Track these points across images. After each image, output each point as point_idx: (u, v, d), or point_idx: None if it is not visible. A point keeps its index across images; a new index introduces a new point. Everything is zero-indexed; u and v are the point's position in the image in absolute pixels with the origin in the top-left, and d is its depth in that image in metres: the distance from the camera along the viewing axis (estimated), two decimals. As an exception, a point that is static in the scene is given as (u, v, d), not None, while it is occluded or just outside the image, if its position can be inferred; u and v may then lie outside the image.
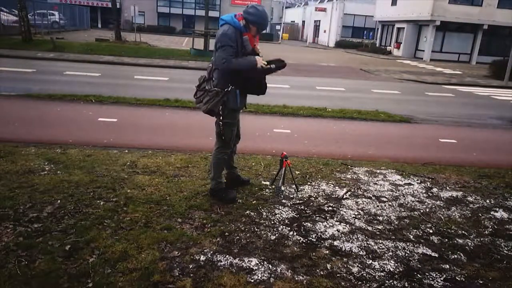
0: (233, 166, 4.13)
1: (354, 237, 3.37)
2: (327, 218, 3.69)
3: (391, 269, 2.95)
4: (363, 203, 4.10)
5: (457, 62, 29.85)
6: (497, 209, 4.23)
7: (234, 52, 3.37)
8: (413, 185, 4.75)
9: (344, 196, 4.22)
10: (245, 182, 4.26)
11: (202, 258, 2.88)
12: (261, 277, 2.72)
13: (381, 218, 3.79)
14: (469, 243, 3.45)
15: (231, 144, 3.85)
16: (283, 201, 3.99)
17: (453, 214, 4.03)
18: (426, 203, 4.24)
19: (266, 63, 3.51)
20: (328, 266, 2.92)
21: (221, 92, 3.49)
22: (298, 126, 7.71)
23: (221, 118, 3.60)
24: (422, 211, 4.04)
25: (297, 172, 4.82)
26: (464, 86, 16.57)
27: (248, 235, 3.27)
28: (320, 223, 3.58)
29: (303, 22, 53.61)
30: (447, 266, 3.06)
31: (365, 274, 2.86)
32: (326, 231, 3.43)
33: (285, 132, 7.13)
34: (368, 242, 3.30)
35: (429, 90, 14.70)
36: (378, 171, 5.16)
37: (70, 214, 3.34)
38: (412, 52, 32.11)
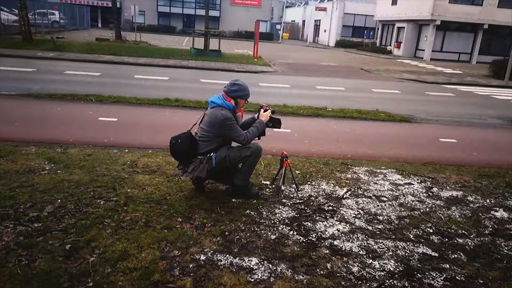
0: None
1: (354, 237, 3.37)
2: (327, 217, 3.70)
3: (391, 269, 2.96)
4: (363, 203, 4.10)
5: (457, 61, 29.83)
6: (497, 208, 4.23)
7: (238, 126, 3.72)
8: (413, 184, 4.75)
9: (344, 196, 4.22)
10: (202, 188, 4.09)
11: (202, 257, 2.88)
12: (261, 277, 2.72)
13: (381, 218, 3.79)
14: (469, 243, 3.45)
15: (247, 142, 3.73)
16: (283, 200, 4.00)
17: (453, 213, 4.03)
18: (426, 203, 4.24)
19: (270, 113, 3.88)
20: (328, 265, 2.92)
21: (204, 159, 3.66)
22: (298, 125, 7.71)
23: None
24: (422, 210, 4.04)
25: (297, 172, 4.82)
26: (464, 85, 16.56)
27: (248, 234, 3.27)
28: (320, 222, 3.58)
29: (303, 21, 53.55)
30: (447, 266, 3.06)
31: (365, 274, 2.87)
32: (326, 231, 3.44)
33: (285, 131, 7.12)
34: (368, 242, 3.31)
35: (430, 89, 14.70)
36: (378, 170, 5.16)
37: (71, 213, 3.34)
38: (413, 52, 32.10)
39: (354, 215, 3.79)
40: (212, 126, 3.67)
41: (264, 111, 3.87)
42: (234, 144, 3.85)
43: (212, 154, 3.67)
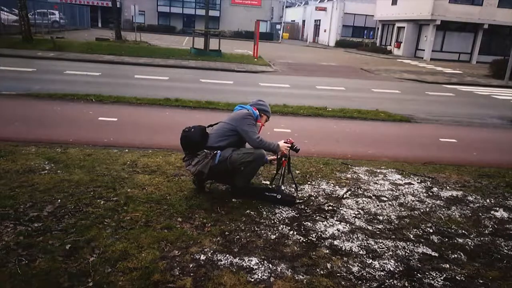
0: None
1: (354, 237, 3.37)
2: (327, 217, 3.70)
3: (391, 269, 2.96)
4: (363, 203, 4.10)
5: (457, 61, 29.84)
6: (497, 208, 4.23)
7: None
8: (413, 184, 4.75)
9: (344, 196, 4.22)
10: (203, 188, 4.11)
11: (202, 257, 2.88)
12: (261, 277, 2.72)
13: (381, 218, 3.79)
14: (469, 243, 3.45)
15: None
16: (283, 200, 3.99)
17: (453, 213, 4.03)
18: (426, 203, 4.24)
19: (289, 148, 3.88)
20: (328, 265, 2.92)
21: (210, 154, 3.69)
22: (298, 125, 7.71)
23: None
24: (422, 210, 4.04)
25: (297, 172, 4.82)
26: (465, 85, 16.57)
27: (248, 234, 3.27)
28: (320, 222, 3.58)
29: (303, 21, 53.56)
30: (447, 266, 3.06)
31: (365, 274, 2.87)
32: (326, 231, 3.44)
33: (285, 131, 7.12)
34: (368, 242, 3.31)
35: (430, 89, 14.70)
36: (378, 170, 5.16)
37: (71, 213, 3.34)
38: (413, 52, 32.11)
39: (354, 215, 3.79)
40: (233, 119, 3.82)
41: (286, 143, 3.90)
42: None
43: (218, 151, 3.72)
